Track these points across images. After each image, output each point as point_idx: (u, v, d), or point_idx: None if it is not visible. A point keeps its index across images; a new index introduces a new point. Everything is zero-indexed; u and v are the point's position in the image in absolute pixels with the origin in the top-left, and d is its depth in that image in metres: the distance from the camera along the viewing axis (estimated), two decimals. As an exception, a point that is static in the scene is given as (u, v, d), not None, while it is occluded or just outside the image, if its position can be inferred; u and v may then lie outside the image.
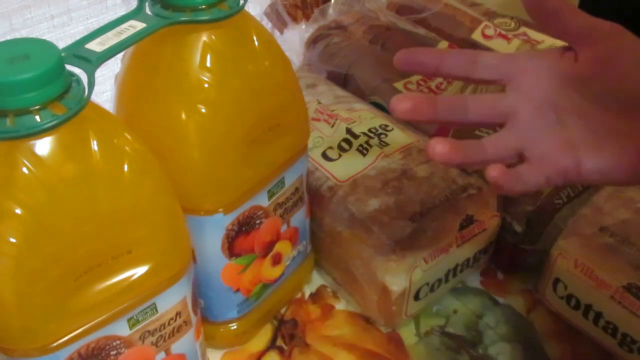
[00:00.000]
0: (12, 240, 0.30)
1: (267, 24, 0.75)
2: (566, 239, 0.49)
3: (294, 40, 0.73)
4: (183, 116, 0.39)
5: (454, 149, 0.36)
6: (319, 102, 0.58)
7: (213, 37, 0.38)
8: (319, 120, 0.56)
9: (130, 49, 0.39)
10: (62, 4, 0.64)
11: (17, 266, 0.31)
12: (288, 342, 0.50)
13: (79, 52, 0.34)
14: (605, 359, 0.49)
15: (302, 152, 0.47)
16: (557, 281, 0.49)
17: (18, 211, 0.30)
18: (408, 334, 0.51)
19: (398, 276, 0.48)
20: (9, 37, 0.61)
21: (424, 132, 0.57)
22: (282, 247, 0.49)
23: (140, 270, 0.35)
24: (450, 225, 0.49)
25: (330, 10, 0.74)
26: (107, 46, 0.34)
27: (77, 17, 0.66)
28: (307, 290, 0.54)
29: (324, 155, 0.53)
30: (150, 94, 0.40)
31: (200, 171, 0.40)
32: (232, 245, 0.44)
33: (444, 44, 0.64)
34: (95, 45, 0.34)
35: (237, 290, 0.47)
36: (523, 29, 0.68)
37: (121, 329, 0.36)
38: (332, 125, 0.55)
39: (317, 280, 0.55)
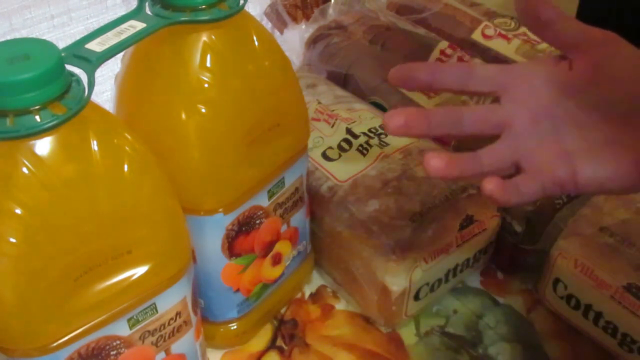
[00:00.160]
0: (12, 240, 0.30)
1: (267, 24, 0.75)
2: (566, 239, 0.49)
3: (294, 40, 0.73)
4: (183, 116, 0.39)
5: (450, 163, 0.36)
6: (319, 102, 0.58)
7: (213, 37, 0.38)
8: (319, 120, 0.56)
9: (130, 49, 0.39)
10: (62, 4, 0.64)
11: (17, 266, 0.31)
12: (288, 342, 0.50)
13: (79, 52, 0.34)
14: (605, 359, 0.49)
15: (302, 152, 0.47)
16: (557, 281, 0.49)
17: (18, 211, 0.30)
18: (408, 334, 0.51)
19: (398, 276, 0.48)
20: (9, 37, 0.61)
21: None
22: (282, 247, 0.49)
23: (140, 270, 0.35)
24: (450, 225, 0.49)
25: (330, 10, 0.74)
26: (107, 46, 0.34)
27: (77, 17, 0.66)
28: (307, 290, 0.54)
29: (324, 155, 0.53)
30: (150, 94, 0.40)
31: (200, 171, 0.40)
32: (232, 245, 0.44)
33: (444, 44, 0.64)
34: (95, 45, 0.34)
35: (237, 290, 0.47)
36: (523, 29, 0.68)
37: (121, 329, 0.36)
38: (332, 125, 0.55)
39: (317, 280, 0.55)
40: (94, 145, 0.32)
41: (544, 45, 0.65)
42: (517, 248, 0.53)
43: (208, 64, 0.38)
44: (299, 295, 0.54)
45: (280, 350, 0.50)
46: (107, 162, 0.32)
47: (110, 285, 0.34)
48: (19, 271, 0.31)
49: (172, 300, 0.38)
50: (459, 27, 0.69)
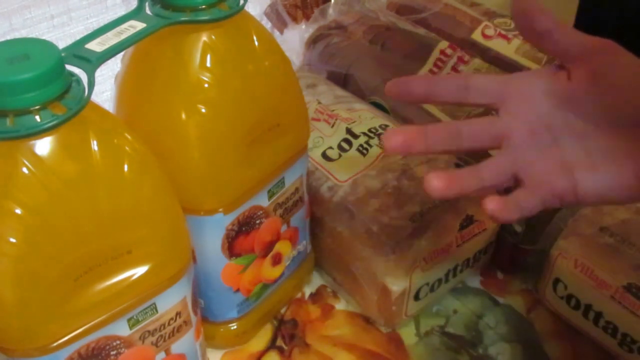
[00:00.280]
0: (12, 240, 0.30)
1: (267, 24, 0.75)
2: (566, 239, 0.49)
3: (294, 40, 0.73)
4: (183, 116, 0.39)
5: (450, 182, 0.36)
6: (319, 102, 0.58)
7: (213, 37, 0.38)
8: (319, 120, 0.56)
9: (130, 49, 0.39)
10: (62, 4, 0.64)
11: (17, 266, 0.31)
12: (288, 342, 0.50)
13: (79, 52, 0.34)
14: (605, 359, 0.49)
15: (302, 152, 0.47)
16: (557, 281, 0.49)
17: (18, 211, 0.30)
18: (408, 334, 0.51)
19: (398, 276, 0.48)
20: (9, 37, 0.61)
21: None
22: (282, 247, 0.49)
23: (140, 270, 0.35)
24: (450, 225, 0.49)
25: (330, 10, 0.74)
26: (107, 46, 0.34)
27: (77, 17, 0.66)
28: (307, 290, 0.54)
29: (324, 155, 0.53)
30: (150, 94, 0.40)
31: (200, 171, 0.40)
32: (232, 245, 0.44)
33: (444, 44, 0.64)
34: (95, 45, 0.34)
35: (237, 290, 0.47)
36: (523, 29, 0.68)
37: (121, 329, 0.36)
38: (332, 125, 0.55)
39: (317, 280, 0.55)
40: (94, 145, 0.32)
41: (544, 45, 0.65)
42: (517, 248, 0.53)
43: (208, 64, 0.38)
44: (299, 295, 0.54)
45: (280, 350, 0.50)
46: (107, 162, 0.32)
47: (110, 285, 0.34)
48: (19, 271, 0.31)
49: (172, 300, 0.38)
50: (459, 27, 0.69)
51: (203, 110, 0.38)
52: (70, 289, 0.33)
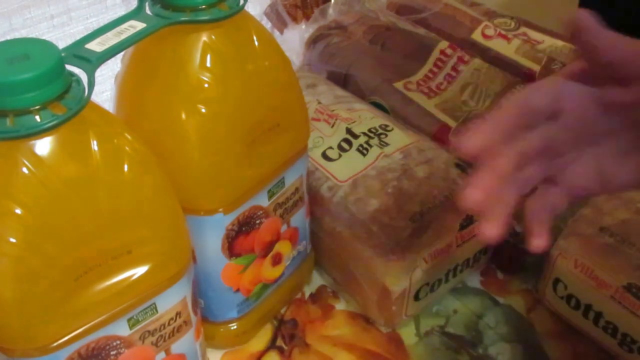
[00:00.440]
0: (12, 240, 0.30)
1: (267, 24, 0.75)
2: (566, 239, 0.49)
3: (294, 40, 0.73)
4: (183, 116, 0.39)
5: (487, 193, 0.34)
6: (319, 102, 0.58)
7: (213, 37, 0.38)
8: (319, 120, 0.56)
9: (130, 49, 0.39)
10: (61, 4, 0.64)
11: (17, 266, 0.31)
12: (288, 342, 0.50)
13: (79, 52, 0.34)
14: (605, 359, 0.49)
15: (302, 152, 0.47)
16: (557, 281, 0.49)
17: (18, 211, 0.30)
18: (408, 334, 0.51)
19: (398, 276, 0.48)
20: (8, 37, 0.61)
21: (424, 132, 0.57)
22: (282, 247, 0.49)
23: (140, 270, 0.35)
24: (450, 225, 0.49)
25: (330, 10, 0.74)
26: (107, 46, 0.34)
27: (76, 16, 0.66)
28: (307, 290, 0.54)
29: (324, 155, 0.53)
30: (150, 94, 0.40)
31: (200, 171, 0.40)
32: (232, 245, 0.44)
33: (444, 44, 0.64)
34: (95, 45, 0.34)
35: (237, 290, 0.47)
36: (523, 29, 0.68)
37: (121, 329, 0.36)
38: (332, 125, 0.55)
39: (317, 280, 0.55)
40: (94, 145, 0.32)
41: (544, 46, 0.65)
42: (517, 248, 0.53)
43: (208, 64, 0.38)
44: (299, 295, 0.54)
45: (280, 350, 0.50)
46: (107, 162, 0.32)
47: (110, 285, 0.34)
48: (19, 271, 0.31)
49: (172, 300, 0.38)
50: (459, 27, 0.70)
51: (203, 110, 0.38)
52: (70, 289, 0.33)
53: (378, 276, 0.48)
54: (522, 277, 0.55)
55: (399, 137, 0.54)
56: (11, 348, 0.33)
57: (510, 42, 0.66)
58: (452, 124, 0.58)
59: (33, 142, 0.30)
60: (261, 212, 0.45)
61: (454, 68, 0.63)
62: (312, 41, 0.71)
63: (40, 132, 0.30)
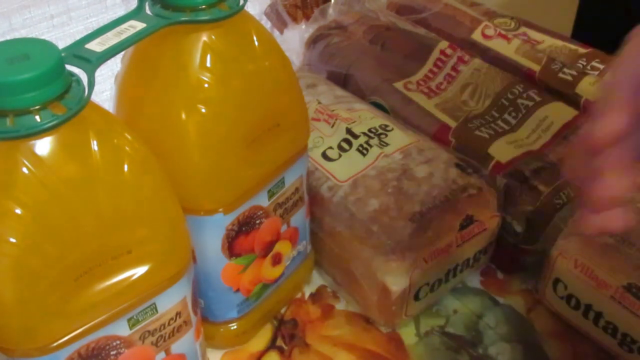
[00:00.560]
0: (12, 240, 0.30)
1: (267, 24, 0.75)
2: (566, 239, 0.49)
3: (294, 40, 0.73)
4: (183, 116, 0.39)
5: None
6: (319, 102, 0.58)
7: (213, 37, 0.38)
8: (319, 120, 0.56)
9: (130, 49, 0.39)
10: (61, 4, 0.64)
11: (17, 266, 0.31)
12: (288, 342, 0.50)
13: (79, 52, 0.34)
14: (605, 359, 0.49)
15: (302, 152, 0.47)
16: (557, 281, 0.49)
17: (18, 211, 0.30)
18: (408, 334, 0.51)
19: (398, 276, 0.48)
20: (8, 37, 0.61)
21: (424, 132, 0.57)
22: (282, 247, 0.49)
23: (140, 270, 0.35)
24: (450, 225, 0.49)
25: (330, 10, 0.74)
26: (107, 46, 0.34)
27: (76, 16, 0.66)
28: (307, 290, 0.54)
29: (324, 155, 0.53)
30: (150, 94, 0.40)
31: (200, 171, 0.40)
32: (232, 245, 0.44)
33: (444, 44, 0.64)
34: (95, 45, 0.34)
35: (237, 290, 0.47)
36: (523, 29, 0.68)
37: (121, 329, 0.36)
38: (332, 125, 0.55)
39: (317, 280, 0.55)
40: (94, 145, 0.32)
41: (544, 46, 0.65)
42: (517, 248, 0.53)
43: (208, 64, 0.38)
44: (299, 295, 0.54)
45: (280, 350, 0.50)
46: (107, 162, 0.32)
47: (110, 285, 0.34)
48: (19, 271, 0.31)
49: (172, 300, 0.38)
50: (459, 27, 0.70)
51: (203, 110, 0.38)
52: (70, 289, 0.33)
53: (378, 276, 0.48)
54: (522, 277, 0.55)
55: (399, 137, 0.54)
56: (11, 348, 0.33)
57: (510, 42, 0.66)
58: (452, 124, 0.58)
59: (33, 142, 0.30)
60: (261, 212, 0.45)
61: (454, 68, 0.63)
62: (312, 41, 0.71)
63: (40, 132, 0.30)
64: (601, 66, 0.62)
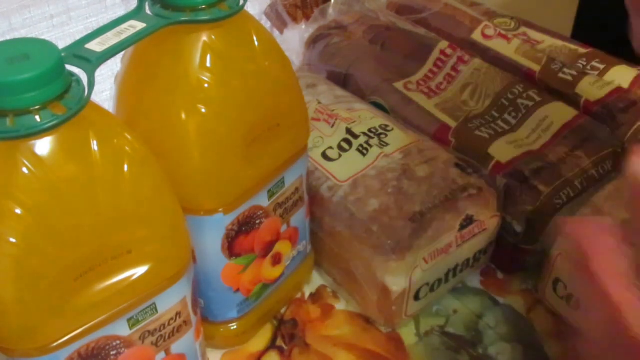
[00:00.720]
0: (12, 240, 0.30)
1: (267, 24, 0.75)
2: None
3: (294, 40, 0.73)
4: (183, 116, 0.39)
5: None
6: (319, 102, 0.58)
7: (213, 37, 0.38)
8: (319, 120, 0.56)
9: (130, 49, 0.39)
10: (61, 4, 0.64)
11: (17, 266, 0.31)
12: (288, 342, 0.50)
13: (79, 52, 0.34)
14: (605, 359, 0.49)
15: (302, 152, 0.47)
16: (557, 281, 0.49)
17: (18, 211, 0.30)
18: (408, 334, 0.51)
19: (398, 276, 0.48)
20: (8, 37, 0.61)
21: (424, 132, 0.57)
22: (282, 247, 0.49)
23: (140, 270, 0.35)
24: (450, 225, 0.49)
25: (330, 10, 0.74)
26: (107, 46, 0.34)
27: (76, 16, 0.66)
28: (307, 290, 0.54)
29: (324, 155, 0.53)
30: (150, 94, 0.40)
31: (200, 171, 0.40)
32: (232, 245, 0.44)
33: (444, 44, 0.64)
34: (95, 45, 0.34)
35: (237, 290, 0.47)
36: (523, 29, 0.68)
37: (121, 329, 0.36)
38: (332, 125, 0.56)
39: (317, 280, 0.55)
40: (94, 145, 0.32)
41: (544, 46, 0.65)
42: (517, 248, 0.53)
43: (208, 64, 0.38)
44: (299, 295, 0.54)
45: (280, 350, 0.50)
46: (107, 162, 0.32)
47: (110, 285, 0.34)
48: (19, 271, 0.31)
49: (172, 300, 0.38)
50: (459, 27, 0.70)
51: (203, 110, 0.38)
52: (70, 289, 0.33)
53: (378, 276, 0.48)
54: (522, 277, 0.55)
55: (399, 137, 0.54)
56: (11, 348, 0.33)
57: (510, 42, 0.66)
58: (452, 124, 0.58)
59: (33, 142, 0.30)
60: (261, 212, 0.45)
61: (454, 68, 0.63)
62: (312, 41, 0.71)
63: (40, 132, 0.30)
64: (601, 66, 0.62)
